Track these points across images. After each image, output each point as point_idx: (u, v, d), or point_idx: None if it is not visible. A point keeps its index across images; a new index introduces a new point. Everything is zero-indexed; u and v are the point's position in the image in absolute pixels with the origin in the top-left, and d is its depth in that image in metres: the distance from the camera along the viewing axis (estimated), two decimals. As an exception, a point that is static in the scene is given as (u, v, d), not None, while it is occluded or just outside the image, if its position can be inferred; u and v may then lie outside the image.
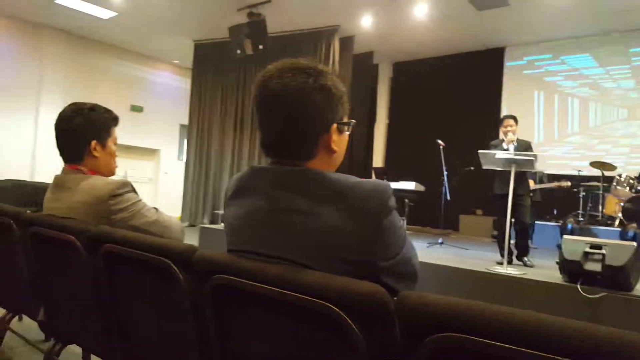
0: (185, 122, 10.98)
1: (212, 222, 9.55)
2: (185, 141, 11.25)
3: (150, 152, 12.72)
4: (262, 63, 1.09)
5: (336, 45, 8.43)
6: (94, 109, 1.69)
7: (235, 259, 0.96)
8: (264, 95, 1.02)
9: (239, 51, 8.43)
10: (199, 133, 10.40)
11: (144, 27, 9.79)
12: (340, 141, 1.06)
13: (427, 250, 5.85)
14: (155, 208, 1.62)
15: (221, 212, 8.66)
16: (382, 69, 10.65)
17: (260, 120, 1.04)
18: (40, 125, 10.25)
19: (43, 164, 10.03)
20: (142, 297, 1.29)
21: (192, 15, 8.84)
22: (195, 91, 10.54)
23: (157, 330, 1.26)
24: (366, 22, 8.19)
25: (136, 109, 12.00)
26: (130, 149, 11.47)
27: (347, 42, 8.66)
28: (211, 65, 10.23)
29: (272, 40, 8.04)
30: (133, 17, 9.21)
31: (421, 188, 7.08)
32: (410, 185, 6.95)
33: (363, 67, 9.55)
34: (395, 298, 0.75)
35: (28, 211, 1.80)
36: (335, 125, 1.03)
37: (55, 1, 8.66)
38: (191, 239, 1.55)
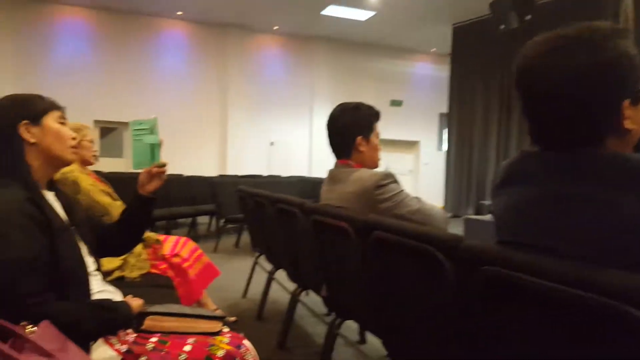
0: (445, 111, 11.04)
1: (477, 213, 9.34)
2: (446, 131, 11.31)
3: (410, 145, 13.31)
4: (530, 37, 0.96)
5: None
6: (358, 107, 1.87)
7: (507, 250, 0.91)
8: (527, 78, 0.90)
9: (502, 26, 7.94)
10: (459, 121, 10.28)
11: (400, 20, 10.27)
12: (638, 115, 0.85)
13: None
14: (417, 197, 1.68)
15: (487, 202, 8.39)
16: None
17: (524, 107, 0.93)
18: (314, 128, 12.00)
19: (318, 161, 11.73)
20: (408, 282, 1.36)
21: (448, -2, 8.80)
22: (454, 77, 10.46)
23: (421, 313, 1.31)
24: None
25: (396, 103, 12.73)
26: (390, 143, 12.27)
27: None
28: (471, 48, 9.97)
29: (541, 8, 7.26)
30: (389, 13, 9.78)
31: None
32: None
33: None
34: None
35: (308, 202, 2.14)
36: (627, 101, 0.84)
37: (322, 13, 9.95)
38: (454, 230, 1.57)
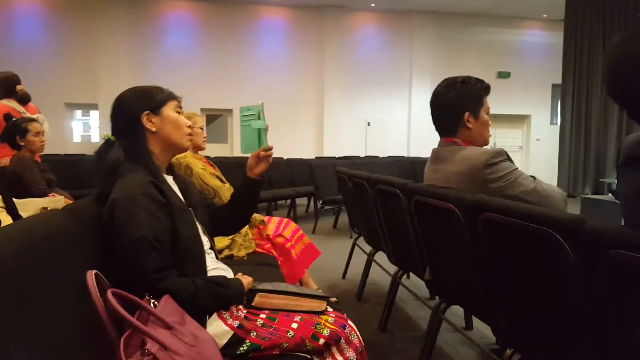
0: (558, 81, 10.17)
1: (596, 193, 8.55)
2: (559, 103, 10.43)
3: (519, 119, 12.50)
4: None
5: None
6: (465, 81, 1.77)
7: (635, 233, 0.83)
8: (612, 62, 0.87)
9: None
10: (575, 92, 9.41)
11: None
12: None
13: None
14: (532, 176, 1.57)
15: (608, 180, 7.64)
16: None
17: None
18: (412, 106, 11.71)
19: (416, 140, 11.45)
20: (522, 266, 1.28)
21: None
22: (568, 45, 9.56)
23: (540, 299, 1.24)
24: None
25: (503, 75, 12.00)
26: (497, 118, 11.62)
27: None
28: (587, 11, 9.02)
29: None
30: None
31: None
32: None
33: None
34: None
35: (409, 182, 2.10)
36: None
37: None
38: (570, 210, 1.41)
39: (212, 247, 1.45)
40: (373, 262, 3.01)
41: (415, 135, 11.60)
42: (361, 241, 3.27)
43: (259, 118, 1.45)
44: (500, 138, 12.04)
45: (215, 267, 1.40)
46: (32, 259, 0.85)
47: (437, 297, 2.01)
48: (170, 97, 1.40)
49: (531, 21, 12.11)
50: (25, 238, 0.88)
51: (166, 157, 1.40)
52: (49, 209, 2.35)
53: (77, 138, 11.41)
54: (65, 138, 10.72)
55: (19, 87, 3.54)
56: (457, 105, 1.74)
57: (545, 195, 1.52)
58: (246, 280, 1.36)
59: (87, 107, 11.17)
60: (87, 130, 11.63)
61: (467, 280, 1.62)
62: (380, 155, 10.10)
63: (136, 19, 10.80)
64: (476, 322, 2.50)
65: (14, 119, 3.01)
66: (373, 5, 11.28)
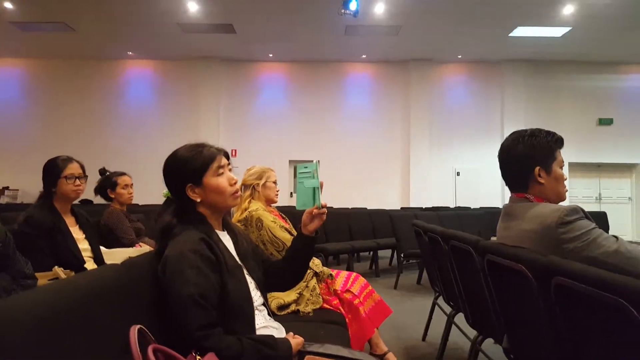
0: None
1: None
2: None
3: (626, 168, 11.40)
4: None
5: None
6: (534, 134, 1.68)
7: None
8: None
9: None
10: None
11: (603, 32, 9.16)
12: None
13: None
14: (614, 236, 1.39)
15: None
16: None
17: None
18: (507, 155, 11.16)
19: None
20: (598, 337, 1.12)
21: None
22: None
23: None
24: None
25: (605, 122, 11.17)
26: (602, 167, 10.71)
27: None
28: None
29: None
30: (589, 25, 8.82)
31: None
32: None
33: None
34: None
35: (493, 239, 1.95)
36: None
37: (510, 35, 9.43)
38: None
39: (264, 304, 1.44)
40: (454, 324, 2.79)
41: (509, 186, 10.97)
42: (442, 300, 3.07)
43: (313, 177, 1.45)
44: (605, 189, 11.01)
45: (265, 325, 1.38)
46: (75, 314, 0.88)
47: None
48: (210, 159, 1.38)
49: (633, 66, 11.28)
50: (72, 293, 0.92)
51: (217, 217, 1.43)
52: (134, 258, 2.48)
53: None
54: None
55: None
56: (526, 159, 1.65)
57: (630, 257, 1.33)
58: (295, 341, 1.32)
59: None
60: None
61: (544, 350, 1.44)
62: (472, 206, 9.66)
63: (234, 80, 11.63)
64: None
65: (107, 173, 3.24)
66: (460, 56, 11.21)
